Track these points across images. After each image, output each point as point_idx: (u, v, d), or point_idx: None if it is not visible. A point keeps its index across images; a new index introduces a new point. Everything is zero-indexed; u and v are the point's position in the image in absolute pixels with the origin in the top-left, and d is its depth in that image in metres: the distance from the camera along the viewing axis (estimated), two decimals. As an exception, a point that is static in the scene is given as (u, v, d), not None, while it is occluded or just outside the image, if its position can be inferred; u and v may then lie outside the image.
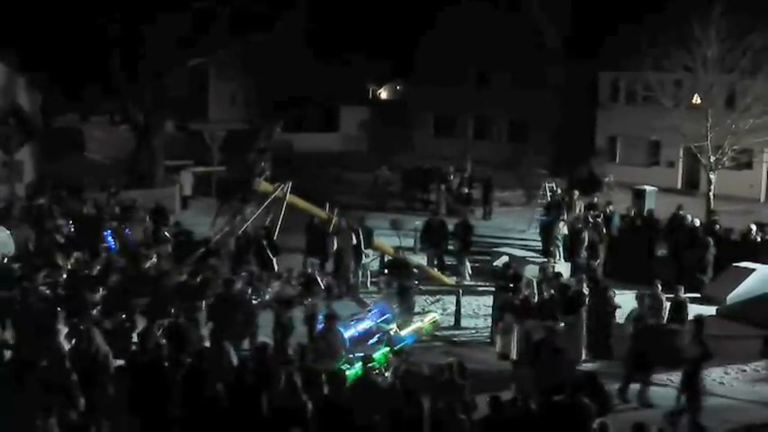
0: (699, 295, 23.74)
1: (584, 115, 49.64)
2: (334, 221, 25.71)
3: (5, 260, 21.58)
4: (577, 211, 30.34)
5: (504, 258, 26.23)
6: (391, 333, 18.35)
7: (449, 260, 27.43)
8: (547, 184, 35.57)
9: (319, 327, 18.17)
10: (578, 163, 43.21)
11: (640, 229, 27.97)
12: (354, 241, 25.34)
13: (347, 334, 17.58)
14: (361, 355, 16.16)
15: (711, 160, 33.09)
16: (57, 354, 13.62)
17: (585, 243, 25.95)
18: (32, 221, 25.68)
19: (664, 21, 36.03)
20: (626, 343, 18.15)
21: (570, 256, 26.64)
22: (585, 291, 19.87)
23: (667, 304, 20.60)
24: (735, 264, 24.12)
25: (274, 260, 24.15)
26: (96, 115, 49.78)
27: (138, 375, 13.65)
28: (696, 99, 35.73)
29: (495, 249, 28.64)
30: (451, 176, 38.15)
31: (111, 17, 36.83)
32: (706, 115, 32.93)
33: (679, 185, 44.48)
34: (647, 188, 34.66)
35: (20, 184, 34.93)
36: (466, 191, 37.44)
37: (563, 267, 24.98)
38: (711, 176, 33.50)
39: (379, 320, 18.66)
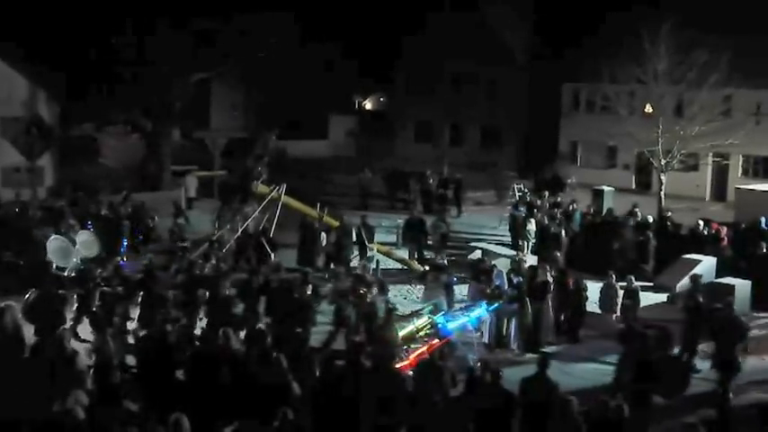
0: (651, 284, 23.90)
1: (549, 123, 49.75)
2: (323, 218, 25.82)
3: (79, 261, 21.37)
4: (544, 209, 30.39)
5: (478, 252, 26.28)
6: (444, 328, 17.41)
7: (427, 254, 27.44)
8: (516, 185, 35.66)
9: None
10: (544, 165, 43.25)
11: (599, 225, 28.06)
12: (355, 237, 25.41)
13: (407, 329, 16.77)
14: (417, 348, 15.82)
15: (662, 163, 33.25)
16: None
17: (552, 237, 26.11)
18: (52, 222, 25.62)
19: (618, 36, 36.13)
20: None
21: (537, 249, 26.76)
22: (550, 279, 19.96)
23: (621, 292, 20.82)
24: (684, 255, 24.24)
25: (272, 255, 24.17)
26: (110, 125, 49.52)
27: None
28: (648, 108, 35.94)
29: (469, 244, 28.69)
30: (430, 179, 38.15)
31: (123, 39, 36.94)
32: (657, 123, 33.09)
33: (633, 186, 44.68)
34: (606, 188, 34.80)
35: (41, 188, 34.85)
36: (442, 191, 37.42)
37: (531, 260, 25.05)
38: (662, 178, 33.65)
39: (434, 316, 17.72)
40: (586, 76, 42.69)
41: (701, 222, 26.57)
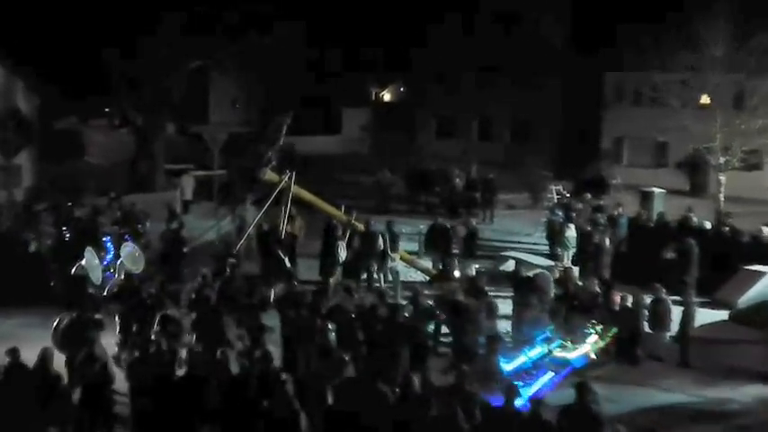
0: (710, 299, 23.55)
1: (590, 116, 49.44)
2: (350, 222, 25.68)
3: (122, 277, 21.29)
4: (586, 213, 30.12)
5: (511, 263, 26.00)
6: (560, 358, 17.14)
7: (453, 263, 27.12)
8: (553, 187, 35.37)
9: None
10: (584, 164, 42.97)
11: (648, 232, 27.73)
12: (381, 245, 25.23)
13: (516, 362, 16.39)
14: (528, 384, 15.47)
15: (720, 161, 32.89)
16: None
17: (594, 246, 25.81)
18: (28, 227, 25.57)
19: (668, 20, 35.81)
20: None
21: (578, 258, 26.49)
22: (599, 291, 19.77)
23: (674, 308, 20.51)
24: (745, 267, 23.87)
25: (286, 259, 23.91)
26: (96, 118, 49.63)
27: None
28: (704, 100, 35.58)
29: (501, 253, 28.44)
30: (456, 179, 37.91)
31: (110, 18, 36.79)
32: (714, 116, 32.75)
33: (687, 187, 44.25)
34: (655, 190, 34.46)
35: (18, 189, 34.78)
36: (469, 193, 37.17)
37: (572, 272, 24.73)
38: (720, 178, 33.28)
39: (549, 345, 17.38)
40: (632, 63, 42.27)
41: (765, 228, 26.19)
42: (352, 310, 17.88)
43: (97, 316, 17.57)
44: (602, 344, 18.67)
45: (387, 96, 72.41)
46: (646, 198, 33.84)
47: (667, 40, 34.21)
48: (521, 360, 16.63)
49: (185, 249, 25.12)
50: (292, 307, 18.08)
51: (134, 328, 17.96)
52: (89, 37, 37.50)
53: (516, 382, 14.49)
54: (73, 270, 21.66)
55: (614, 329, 18.79)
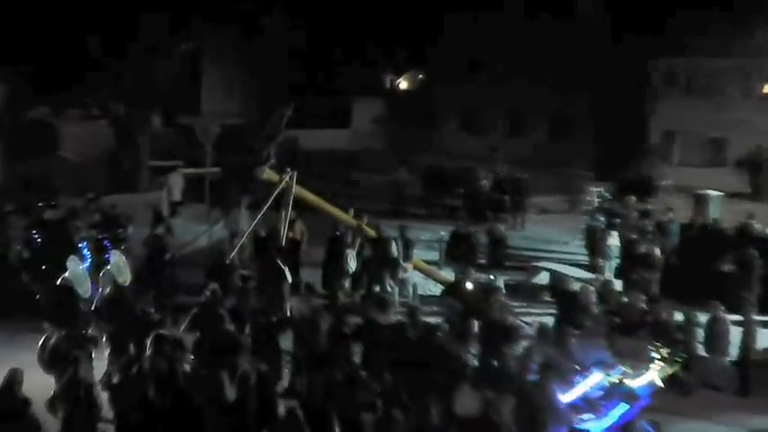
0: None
1: (636, 108, 49.28)
2: (361, 227, 25.65)
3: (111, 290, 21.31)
4: (631, 219, 30.03)
5: (544, 275, 25.91)
6: (624, 387, 16.81)
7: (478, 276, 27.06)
8: (593, 189, 35.31)
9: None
10: (629, 163, 42.91)
11: (703, 240, 27.62)
12: (393, 253, 25.20)
13: (573, 393, 16.06)
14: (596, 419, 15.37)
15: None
16: None
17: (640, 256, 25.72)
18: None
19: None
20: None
21: (622, 270, 26.36)
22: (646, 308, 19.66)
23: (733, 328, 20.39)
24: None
25: (285, 269, 23.88)
26: (71, 108, 49.68)
27: None
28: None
29: (532, 264, 28.43)
30: (482, 180, 37.86)
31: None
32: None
33: (748, 189, 44.05)
34: (711, 193, 34.36)
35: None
36: (497, 195, 37.11)
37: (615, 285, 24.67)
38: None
39: (608, 371, 17.10)
40: (685, 47, 42.22)
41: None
42: (383, 329, 17.80)
43: (90, 332, 17.58)
44: (669, 370, 18.38)
45: (403, 84, 72.31)
46: (700, 202, 33.82)
47: (724, 22, 34.11)
48: (579, 390, 16.29)
49: (167, 257, 25.07)
50: (311, 326, 18.02)
51: (126, 349, 17.79)
52: (62, 17, 37.55)
53: (581, 418, 14.65)
54: (58, 281, 21.61)
55: (682, 354, 18.59)
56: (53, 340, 16.78)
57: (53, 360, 16.33)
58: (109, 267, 21.67)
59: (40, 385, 15.78)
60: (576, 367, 17.02)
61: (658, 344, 18.57)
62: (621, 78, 49.63)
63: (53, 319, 18.69)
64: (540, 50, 52.13)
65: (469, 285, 22.92)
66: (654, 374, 17.83)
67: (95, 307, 20.19)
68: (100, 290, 20.98)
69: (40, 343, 16.90)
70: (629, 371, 17.35)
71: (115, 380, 16.07)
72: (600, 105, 50.77)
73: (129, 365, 15.47)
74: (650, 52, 48.35)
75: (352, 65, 59.19)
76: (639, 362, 18.02)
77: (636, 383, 16.87)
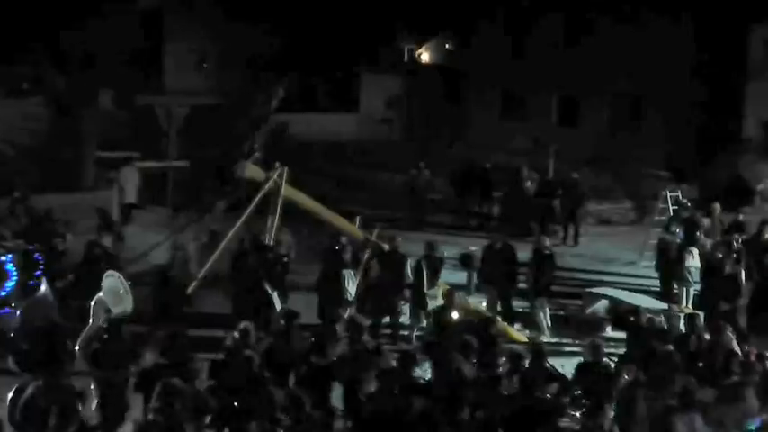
0: None
1: (725, 92, 49.33)
2: (369, 240, 25.85)
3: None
4: (716, 233, 30.02)
5: (603, 303, 25.92)
6: None
7: (519, 305, 27.20)
8: (669, 194, 35.36)
9: None
10: (716, 161, 42.96)
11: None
12: (411, 277, 25.21)
13: None
14: None
15: None
16: None
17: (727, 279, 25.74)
18: None
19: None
20: None
21: (704, 298, 26.35)
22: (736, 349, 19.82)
23: None
24: None
25: (274, 295, 23.95)
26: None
27: None
28: None
29: (588, 290, 28.49)
30: (526, 181, 37.94)
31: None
32: None
33: None
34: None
35: None
36: (545, 201, 37.22)
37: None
38: None
39: None
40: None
41: None
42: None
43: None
44: None
45: (426, 57, 72.38)
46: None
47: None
48: None
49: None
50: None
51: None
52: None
53: None
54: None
55: None
56: (29, 391, 16.65)
57: (27, 419, 16.28)
58: (101, 294, 21.56)
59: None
60: None
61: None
62: (707, 48, 49.66)
63: (29, 364, 18.70)
64: (604, 18, 52.38)
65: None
66: None
67: (80, 346, 20.09)
68: (91, 322, 20.94)
69: (10, 396, 16.75)
70: None
71: None
72: (677, 85, 50.83)
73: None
74: (745, 19, 48.44)
75: (360, 29, 59.27)
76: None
77: None
